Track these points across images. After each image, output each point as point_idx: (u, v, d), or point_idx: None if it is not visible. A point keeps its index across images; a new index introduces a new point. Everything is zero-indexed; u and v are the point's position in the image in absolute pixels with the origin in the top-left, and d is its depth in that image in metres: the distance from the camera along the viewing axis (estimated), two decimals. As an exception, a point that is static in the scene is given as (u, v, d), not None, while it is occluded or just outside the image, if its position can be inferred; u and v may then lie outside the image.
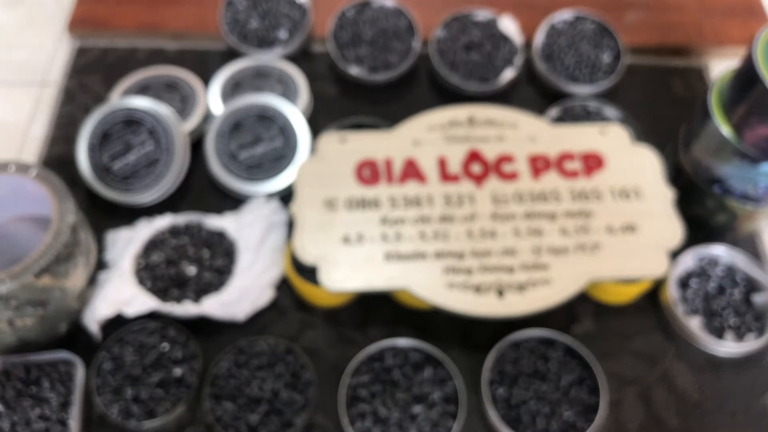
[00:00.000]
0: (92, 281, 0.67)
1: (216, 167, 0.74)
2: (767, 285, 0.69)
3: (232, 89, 0.79)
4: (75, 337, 0.66)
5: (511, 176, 0.66)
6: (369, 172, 0.66)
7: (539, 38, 0.84)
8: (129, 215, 0.72)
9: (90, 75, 0.84)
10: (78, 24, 0.87)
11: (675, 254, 0.67)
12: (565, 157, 0.68)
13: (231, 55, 0.83)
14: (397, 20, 0.84)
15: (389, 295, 0.67)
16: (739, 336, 0.67)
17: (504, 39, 0.83)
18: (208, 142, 0.75)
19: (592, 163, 0.67)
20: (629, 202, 0.65)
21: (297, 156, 0.75)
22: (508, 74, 0.81)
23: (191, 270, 0.68)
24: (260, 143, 0.75)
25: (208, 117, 0.78)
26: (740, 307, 0.68)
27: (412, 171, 0.67)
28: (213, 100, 0.79)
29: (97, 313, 0.64)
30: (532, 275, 0.62)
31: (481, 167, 0.67)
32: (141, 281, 0.67)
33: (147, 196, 0.73)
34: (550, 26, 0.84)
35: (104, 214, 0.73)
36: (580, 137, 0.69)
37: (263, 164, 0.74)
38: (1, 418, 0.60)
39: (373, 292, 0.62)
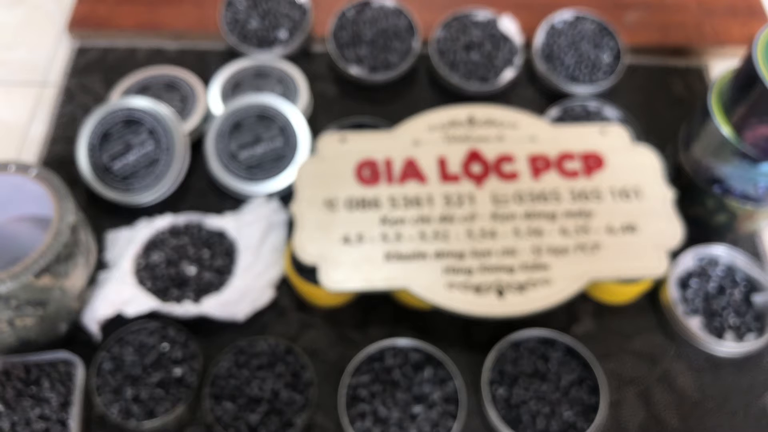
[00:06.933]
0: (92, 281, 0.67)
1: (216, 167, 0.74)
2: (767, 285, 0.69)
3: (232, 89, 0.79)
4: (75, 337, 0.66)
5: (511, 176, 0.66)
6: (369, 172, 0.66)
7: (539, 38, 0.84)
8: (129, 215, 0.72)
9: (90, 75, 0.84)
10: (78, 24, 0.87)
11: (675, 254, 0.67)
12: (565, 157, 0.68)
13: (231, 55, 0.83)
14: (397, 20, 0.84)
15: (389, 295, 0.67)
16: (739, 336, 0.67)
17: (504, 39, 0.83)
18: (208, 142, 0.75)
19: (592, 163, 0.67)
20: (629, 202, 0.65)
21: (297, 156, 0.75)
22: (508, 74, 0.81)
23: (191, 270, 0.68)
24: (260, 143, 0.75)
25: (208, 117, 0.78)
26: (740, 307, 0.68)
27: (412, 171, 0.67)
28: (213, 100, 0.79)
29: (97, 313, 0.64)
30: (532, 275, 0.62)
31: (481, 167, 0.67)
32: (141, 281, 0.67)
33: (147, 196, 0.73)
34: (550, 26, 0.84)
35: (104, 214, 0.73)
36: (580, 137, 0.69)
37: (263, 164, 0.74)
38: (1, 418, 0.60)
39: (373, 292, 0.62)
